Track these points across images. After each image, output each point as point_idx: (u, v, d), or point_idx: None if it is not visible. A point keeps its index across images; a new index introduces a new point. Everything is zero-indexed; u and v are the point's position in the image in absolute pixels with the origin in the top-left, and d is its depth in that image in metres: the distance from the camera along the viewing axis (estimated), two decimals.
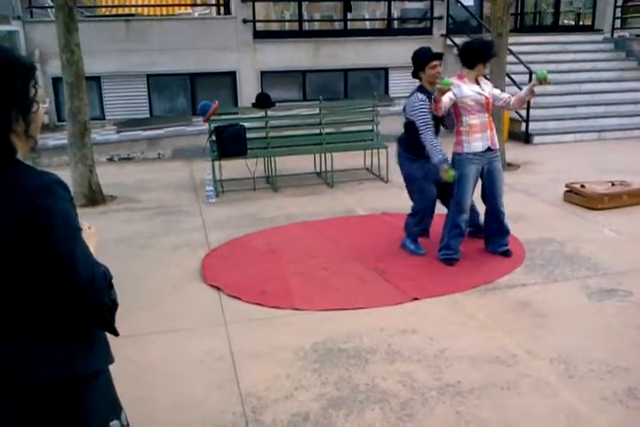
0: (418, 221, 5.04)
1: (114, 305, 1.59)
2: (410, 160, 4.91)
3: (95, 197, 6.92)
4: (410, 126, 4.79)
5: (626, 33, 13.36)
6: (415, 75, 4.84)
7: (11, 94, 1.50)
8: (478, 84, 4.60)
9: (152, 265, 5.04)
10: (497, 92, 4.77)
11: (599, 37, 12.99)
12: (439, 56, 4.75)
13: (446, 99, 4.43)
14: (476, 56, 4.51)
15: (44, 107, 1.63)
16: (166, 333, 3.88)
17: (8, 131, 1.51)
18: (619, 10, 13.70)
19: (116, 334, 1.66)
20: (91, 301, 1.53)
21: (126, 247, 5.47)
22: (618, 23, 13.60)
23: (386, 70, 12.36)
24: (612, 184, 6.27)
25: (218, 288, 4.48)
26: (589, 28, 13.65)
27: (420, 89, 4.75)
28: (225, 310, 4.15)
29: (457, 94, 4.48)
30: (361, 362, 3.42)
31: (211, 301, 4.31)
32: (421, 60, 4.73)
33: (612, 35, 13.05)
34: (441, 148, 4.58)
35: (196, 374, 3.37)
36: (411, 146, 4.82)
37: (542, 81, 4.42)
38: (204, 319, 4.04)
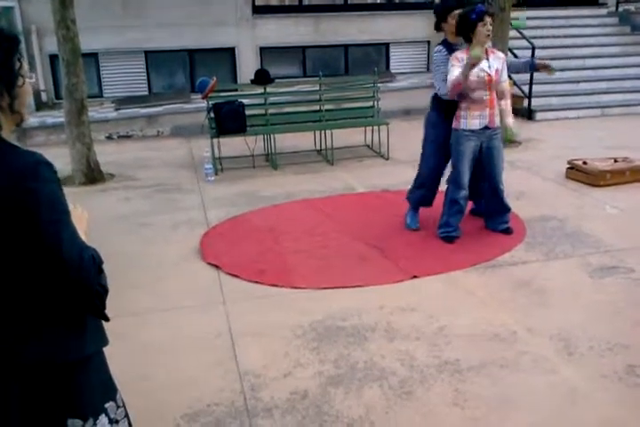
0: (417, 186, 5.03)
1: (103, 290, 1.55)
2: (434, 122, 4.83)
3: (94, 176, 6.87)
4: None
5: (631, 6, 13.12)
6: (438, 27, 4.65)
7: None
8: (487, 58, 4.44)
9: (151, 243, 5.01)
10: (504, 77, 4.58)
11: (604, 11, 12.77)
12: (463, 5, 4.49)
13: (457, 73, 4.31)
14: (461, 29, 4.39)
15: (30, 82, 1.57)
16: (165, 311, 3.87)
17: None
18: None
19: (106, 319, 1.62)
20: (79, 285, 1.49)
21: (125, 225, 5.43)
22: None
23: (387, 46, 12.20)
24: (615, 161, 6.20)
25: (217, 266, 4.46)
26: (594, 2, 13.40)
27: (444, 42, 4.63)
28: (224, 288, 4.14)
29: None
30: (360, 340, 3.41)
31: (209, 279, 4.29)
32: (443, 10, 4.55)
33: (617, 8, 12.82)
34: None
35: (195, 353, 3.37)
36: (439, 105, 4.76)
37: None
38: (203, 297, 4.02)
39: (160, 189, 6.51)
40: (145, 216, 5.67)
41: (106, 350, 1.75)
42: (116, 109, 9.89)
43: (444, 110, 4.69)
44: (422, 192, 5.02)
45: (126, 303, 3.84)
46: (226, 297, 4.00)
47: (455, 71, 4.34)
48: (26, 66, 1.55)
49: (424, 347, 3.32)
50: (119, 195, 6.40)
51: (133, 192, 6.47)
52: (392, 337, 3.43)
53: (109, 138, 9.21)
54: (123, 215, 5.69)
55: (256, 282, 4.20)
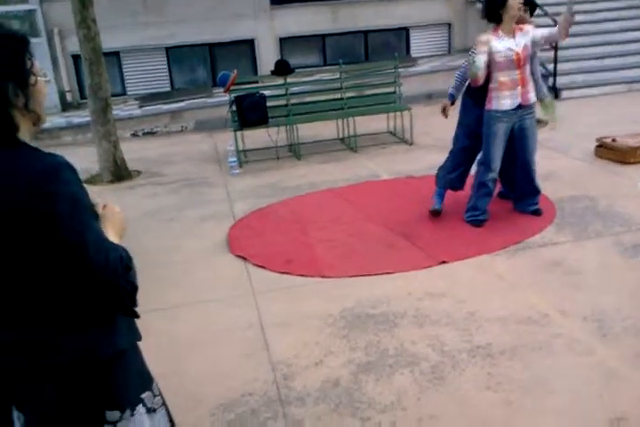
0: (445, 166, 4.98)
1: (132, 288, 1.55)
2: (464, 105, 4.83)
3: (121, 173, 6.95)
4: None
5: None
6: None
7: (3, 66, 1.46)
8: (514, 36, 4.33)
9: (179, 238, 5.06)
10: (545, 32, 4.40)
11: None
12: None
13: (483, 55, 4.25)
14: (491, 8, 4.31)
15: (45, 80, 1.58)
16: (195, 304, 3.91)
17: (7, 104, 1.47)
18: None
19: (136, 316, 1.63)
20: (106, 285, 1.50)
21: (153, 221, 5.50)
22: None
23: (406, 30, 12.07)
24: None
25: (244, 258, 4.48)
26: None
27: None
28: (252, 279, 4.16)
29: (490, 49, 4.29)
30: (390, 327, 3.40)
31: (238, 271, 4.32)
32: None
33: None
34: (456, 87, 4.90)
35: (226, 344, 3.40)
36: (467, 90, 4.78)
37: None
38: (232, 290, 4.05)
39: (186, 184, 6.57)
40: (172, 211, 5.73)
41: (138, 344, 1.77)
42: (140, 106, 9.97)
43: (471, 95, 4.68)
44: (448, 173, 4.95)
45: (156, 297, 3.88)
46: (255, 288, 4.03)
47: (480, 59, 4.27)
48: (37, 65, 1.55)
49: (454, 332, 3.30)
50: (147, 191, 6.47)
51: (160, 188, 6.53)
52: (422, 323, 3.42)
53: (135, 135, 9.31)
54: (151, 211, 5.76)
55: (284, 272, 4.22)
